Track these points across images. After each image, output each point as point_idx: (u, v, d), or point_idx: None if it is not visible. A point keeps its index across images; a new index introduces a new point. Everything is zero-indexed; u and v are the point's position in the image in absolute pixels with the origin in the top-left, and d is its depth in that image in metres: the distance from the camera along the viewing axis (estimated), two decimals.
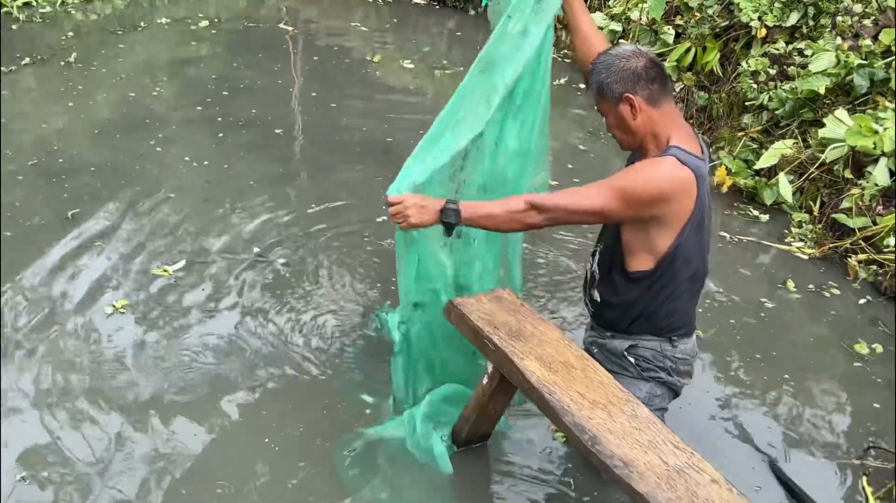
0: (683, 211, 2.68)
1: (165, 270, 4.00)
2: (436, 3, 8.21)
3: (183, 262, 4.08)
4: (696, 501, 2.27)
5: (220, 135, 5.47)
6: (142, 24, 7.15)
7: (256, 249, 4.24)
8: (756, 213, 4.89)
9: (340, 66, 6.76)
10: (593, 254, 3.02)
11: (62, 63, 6.14)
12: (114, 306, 3.71)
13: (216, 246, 4.24)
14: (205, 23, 7.36)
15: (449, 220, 2.71)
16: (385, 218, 4.38)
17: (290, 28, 7.47)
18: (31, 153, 4.93)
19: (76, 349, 3.46)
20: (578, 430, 2.47)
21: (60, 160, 4.86)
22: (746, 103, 5.43)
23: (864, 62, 4.91)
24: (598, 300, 2.95)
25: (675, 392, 3.00)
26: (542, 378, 2.62)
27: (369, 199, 4.71)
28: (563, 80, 6.52)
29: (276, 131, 5.60)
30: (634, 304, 2.85)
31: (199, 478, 2.93)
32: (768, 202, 4.89)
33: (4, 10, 7.02)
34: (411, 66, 6.84)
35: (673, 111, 2.77)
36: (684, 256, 2.75)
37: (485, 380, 2.91)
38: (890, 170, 4.47)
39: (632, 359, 2.92)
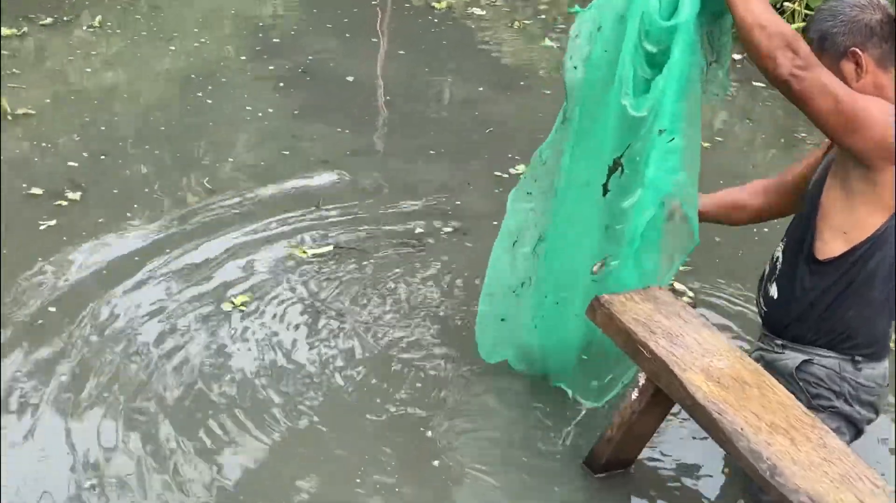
0: None
1: (304, 252, 4.06)
2: None
3: (330, 247, 4.11)
4: None
5: (281, 84, 5.62)
6: None
7: (419, 231, 4.30)
8: None
9: (435, 19, 6.84)
10: (783, 239, 2.95)
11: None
12: (233, 303, 3.73)
13: (358, 225, 4.32)
14: None
15: None
16: None
17: None
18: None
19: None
20: (755, 458, 2.43)
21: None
22: None
23: None
24: (775, 297, 2.88)
25: (856, 428, 2.90)
26: (709, 394, 2.58)
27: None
28: None
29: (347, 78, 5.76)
30: (815, 302, 2.78)
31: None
32: None
33: None
34: (519, 27, 6.85)
35: None
36: (886, 247, 2.68)
37: (634, 394, 2.89)
38: None
39: (803, 377, 2.83)
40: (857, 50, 2.64)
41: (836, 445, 2.50)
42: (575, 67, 2.97)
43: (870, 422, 2.92)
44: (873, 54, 2.64)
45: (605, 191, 2.96)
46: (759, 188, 3.20)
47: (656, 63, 2.71)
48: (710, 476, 3.17)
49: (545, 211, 3.20)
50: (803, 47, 2.53)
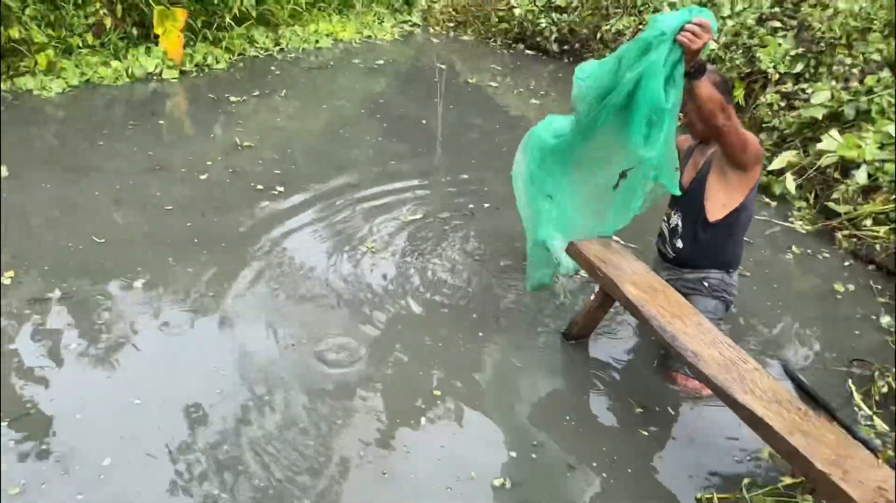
0: (756, 176, 2.68)
1: (406, 218, 4.06)
2: (542, 54, 8.05)
3: (420, 215, 4.11)
4: (746, 381, 2.24)
5: (385, 125, 5.59)
6: (331, 63, 7.19)
7: (471, 206, 4.26)
8: (767, 200, 4.68)
9: (470, 89, 6.75)
10: (669, 216, 2.95)
11: (284, 92, 6.30)
12: (367, 247, 3.73)
13: (438, 204, 4.28)
14: (381, 61, 7.39)
15: (696, 72, 2.42)
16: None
17: (442, 66, 7.42)
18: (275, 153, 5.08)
19: (343, 278, 3.47)
20: (662, 331, 2.45)
21: (288, 150, 5.00)
22: (763, 125, 5.19)
23: (853, 98, 4.64)
24: (680, 247, 2.88)
25: (727, 307, 2.95)
26: (636, 295, 2.61)
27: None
28: None
29: (422, 121, 5.73)
30: (710, 247, 2.81)
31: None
32: (777, 193, 4.67)
33: (267, 52, 7.19)
34: (518, 92, 6.76)
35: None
36: (746, 211, 2.73)
37: (593, 297, 2.91)
38: (868, 173, 4.23)
39: (706, 285, 2.87)
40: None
41: (707, 325, 2.51)
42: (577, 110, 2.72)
43: (733, 303, 2.99)
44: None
45: (616, 185, 2.80)
46: None
47: (653, 124, 2.46)
48: (634, 342, 3.18)
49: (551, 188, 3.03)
50: (727, 109, 2.54)
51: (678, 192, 2.70)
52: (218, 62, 6.58)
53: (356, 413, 2.62)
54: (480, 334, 3.11)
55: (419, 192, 4.43)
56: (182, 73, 6.26)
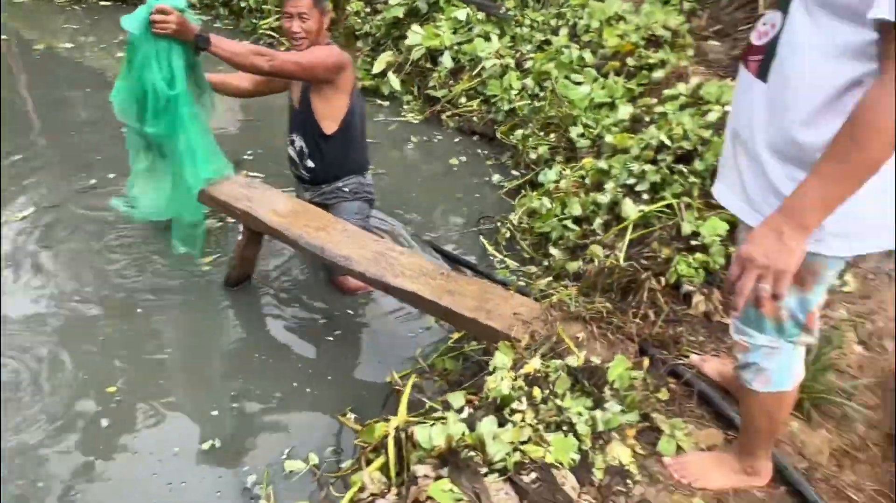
0: (350, 79, 2.82)
1: (19, 215, 3.47)
2: (121, 2, 7.32)
3: (42, 206, 3.56)
4: (395, 266, 2.46)
5: None
6: None
7: (93, 181, 3.78)
8: (380, 102, 5.03)
9: (42, 57, 5.91)
10: (293, 141, 3.01)
11: None
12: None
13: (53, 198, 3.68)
14: None
15: (201, 45, 2.50)
16: None
17: (6, 37, 6.33)
18: None
19: None
20: (311, 247, 2.55)
21: None
22: (356, 33, 5.49)
23: None
24: (312, 166, 2.98)
25: (371, 205, 3.16)
26: (279, 222, 2.65)
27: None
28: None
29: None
30: (337, 157, 2.95)
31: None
32: (386, 93, 5.04)
33: None
34: (102, 48, 6.07)
35: None
36: (356, 115, 2.90)
37: (240, 237, 2.88)
38: (451, 57, 4.78)
39: (347, 190, 3.01)
40: (327, 9, 2.81)
41: (353, 229, 2.66)
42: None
43: (374, 200, 3.19)
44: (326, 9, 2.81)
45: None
46: (246, 79, 3.04)
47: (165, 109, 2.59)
48: (294, 265, 3.22)
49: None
50: (263, 50, 2.62)
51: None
52: None
53: (26, 450, 2.30)
54: (139, 310, 2.89)
55: (29, 183, 3.81)
56: None
